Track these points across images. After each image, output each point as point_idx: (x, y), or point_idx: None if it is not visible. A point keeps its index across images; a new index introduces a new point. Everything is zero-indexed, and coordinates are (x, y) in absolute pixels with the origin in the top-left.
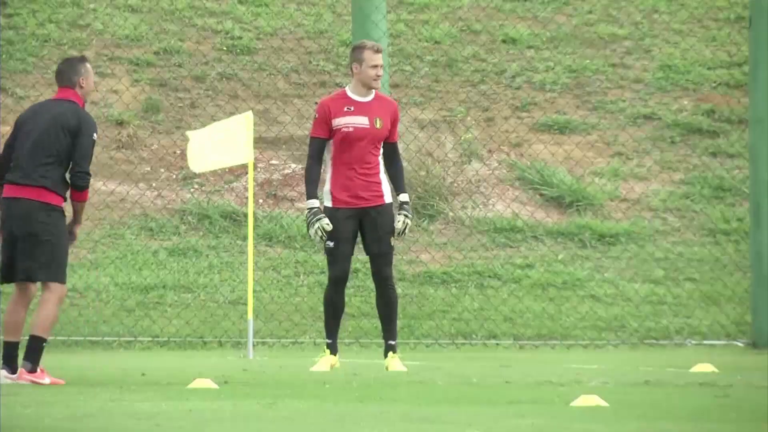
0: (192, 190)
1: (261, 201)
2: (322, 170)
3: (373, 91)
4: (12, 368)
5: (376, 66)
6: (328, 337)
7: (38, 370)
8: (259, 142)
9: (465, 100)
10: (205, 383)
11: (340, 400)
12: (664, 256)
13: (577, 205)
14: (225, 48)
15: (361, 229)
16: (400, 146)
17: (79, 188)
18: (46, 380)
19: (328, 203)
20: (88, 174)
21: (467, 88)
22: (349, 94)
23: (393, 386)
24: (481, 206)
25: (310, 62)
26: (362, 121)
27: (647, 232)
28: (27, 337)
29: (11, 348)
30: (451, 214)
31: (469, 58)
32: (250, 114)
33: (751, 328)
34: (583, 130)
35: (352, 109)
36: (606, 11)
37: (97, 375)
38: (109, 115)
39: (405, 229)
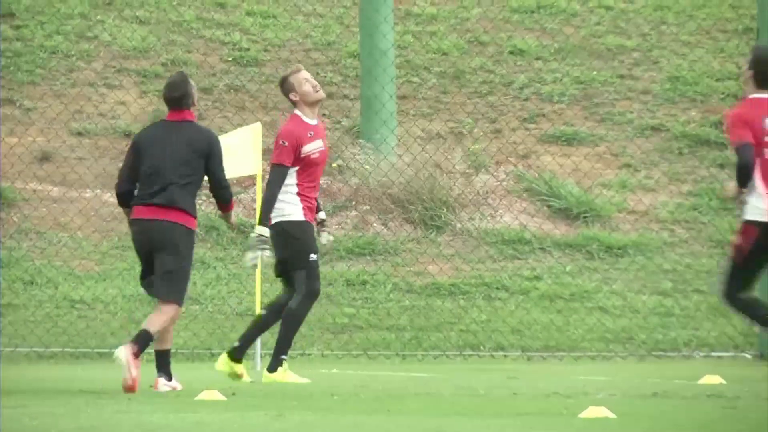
0: (199, 201)
1: None
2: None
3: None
4: (168, 375)
5: (307, 80)
6: (287, 352)
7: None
8: (267, 153)
9: (473, 112)
10: (212, 395)
11: (348, 411)
12: (672, 267)
13: (584, 217)
14: (232, 59)
15: None
16: (408, 157)
17: (226, 201)
18: (179, 386)
19: (300, 217)
20: (229, 188)
21: (475, 100)
22: (304, 119)
23: (400, 398)
24: (488, 218)
25: (318, 74)
26: (321, 144)
27: (655, 243)
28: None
29: (164, 356)
30: (458, 225)
31: (476, 69)
32: (258, 125)
33: (758, 339)
34: (591, 142)
35: (312, 134)
36: (614, 23)
37: (105, 386)
38: (116, 126)
39: (326, 242)
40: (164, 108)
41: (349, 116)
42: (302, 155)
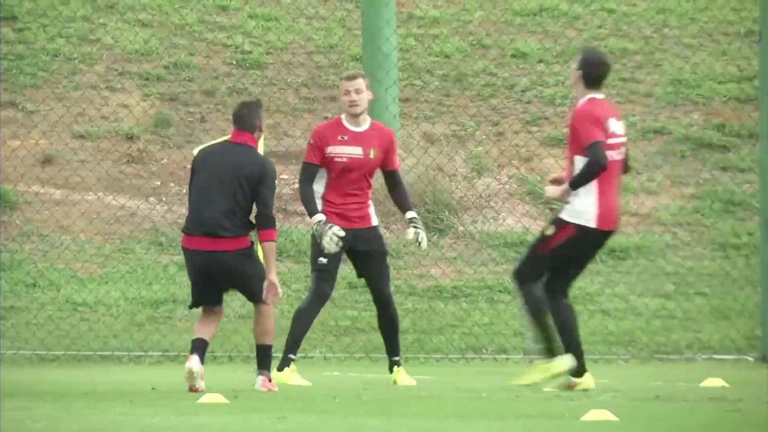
0: None
1: None
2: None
3: (368, 119)
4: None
5: (347, 92)
6: (293, 352)
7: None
8: (269, 156)
9: (475, 115)
10: (215, 398)
11: (350, 414)
12: (675, 270)
13: None
14: (235, 62)
15: (353, 252)
16: (412, 161)
17: (264, 227)
18: (275, 387)
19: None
20: (273, 218)
21: (477, 103)
22: (344, 123)
23: (402, 401)
24: (491, 221)
25: (320, 77)
26: (356, 151)
27: (657, 246)
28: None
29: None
30: (461, 228)
31: (479, 72)
32: None
33: (761, 342)
34: None
35: (347, 138)
36: (616, 25)
37: (107, 389)
38: (119, 129)
39: (419, 240)
40: (166, 110)
41: None
42: (327, 156)
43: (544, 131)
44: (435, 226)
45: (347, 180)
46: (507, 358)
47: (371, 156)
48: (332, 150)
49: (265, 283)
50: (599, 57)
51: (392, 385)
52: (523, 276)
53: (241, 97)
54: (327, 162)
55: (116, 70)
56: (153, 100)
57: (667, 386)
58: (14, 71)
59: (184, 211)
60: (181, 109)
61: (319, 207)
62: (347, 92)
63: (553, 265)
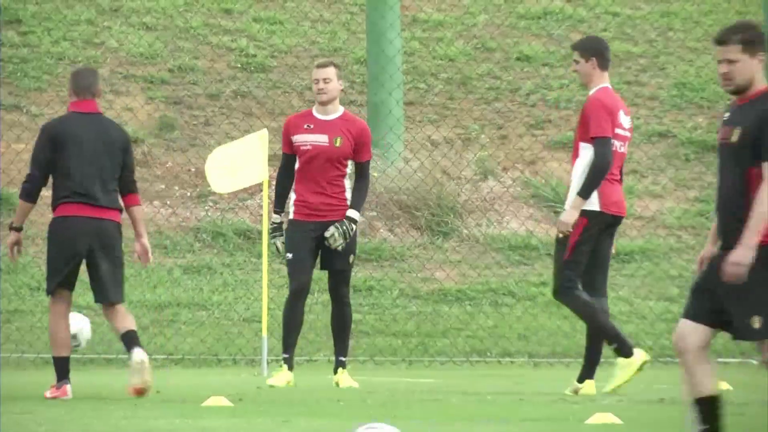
0: (206, 207)
1: None
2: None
3: (340, 109)
4: (68, 381)
5: (316, 80)
6: (284, 351)
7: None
8: (274, 159)
9: (479, 118)
10: (219, 401)
11: (354, 417)
12: (679, 273)
13: None
14: (239, 66)
15: (321, 243)
16: (416, 164)
17: (132, 192)
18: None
19: (291, 215)
20: (135, 181)
21: (482, 106)
22: (313, 112)
23: (407, 404)
24: (495, 224)
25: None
26: (320, 139)
27: (662, 249)
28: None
29: (66, 362)
30: (465, 231)
31: (483, 75)
32: (265, 132)
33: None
34: None
35: (312, 126)
36: (621, 29)
37: (111, 392)
38: None
39: (331, 240)
40: (171, 114)
41: None
42: (294, 145)
43: (548, 134)
44: (439, 229)
45: (314, 169)
46: (511, 362)
47: (336, 144)
48: (297, 138)
49: (137, 246)
50: (602, 40)
51: (398, 388)
52: (565, 289)
53: (246, 101)
54: (295, 151)
55: (121, 74)
56: (157, 104)
57: (672, 389)
58: (19, 74)
59: (188, 214)
60: (185, 112)
61: (292, 199)
62: (316, 80)
63: (574, 260)
